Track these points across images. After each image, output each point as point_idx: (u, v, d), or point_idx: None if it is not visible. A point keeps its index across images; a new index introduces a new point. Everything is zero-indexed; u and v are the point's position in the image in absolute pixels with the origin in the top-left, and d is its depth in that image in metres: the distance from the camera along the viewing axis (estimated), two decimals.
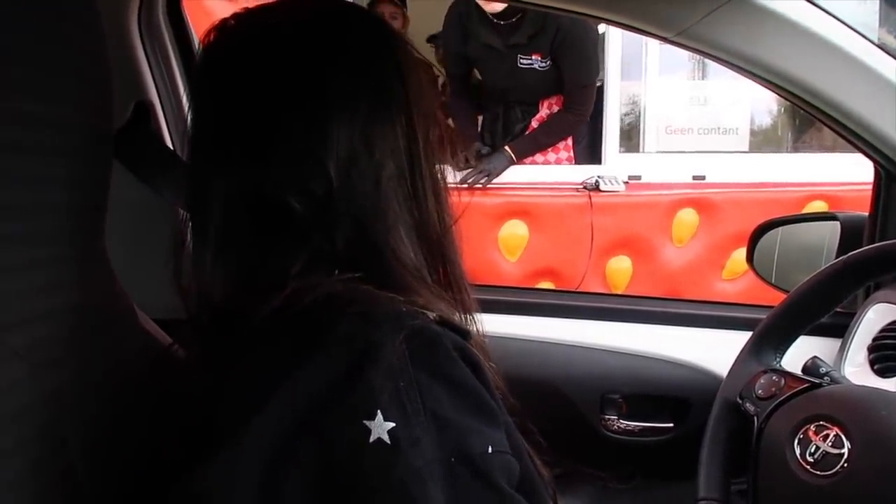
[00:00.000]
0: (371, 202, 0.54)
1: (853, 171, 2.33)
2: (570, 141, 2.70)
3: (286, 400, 0.45)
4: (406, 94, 0.57)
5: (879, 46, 0.97)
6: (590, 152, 2.76)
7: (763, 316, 0.94)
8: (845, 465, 0.72)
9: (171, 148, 1.15)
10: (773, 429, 0.82)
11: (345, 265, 0.52)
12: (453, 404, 0.46)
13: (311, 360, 0.46)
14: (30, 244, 0.46)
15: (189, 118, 0.59)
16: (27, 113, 0.44)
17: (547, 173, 2.65)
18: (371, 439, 0.43)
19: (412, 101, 0.57)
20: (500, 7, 2.42)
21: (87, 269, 0.54)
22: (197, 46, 1.19)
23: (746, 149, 2.96)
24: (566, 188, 2.58)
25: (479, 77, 2.83)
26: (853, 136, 1.06)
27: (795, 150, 3.29)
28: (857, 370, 1.01)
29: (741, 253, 1.66)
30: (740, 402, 0.88)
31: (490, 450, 0.46)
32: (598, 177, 2.56)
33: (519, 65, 2.55)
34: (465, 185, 2.46)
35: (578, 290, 2.49)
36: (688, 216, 2.60)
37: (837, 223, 1.19)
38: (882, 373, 0.98)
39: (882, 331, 1.02)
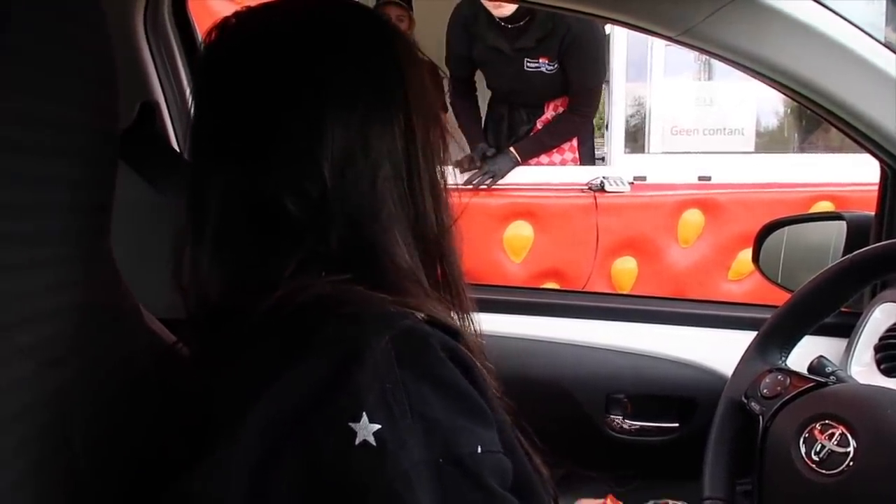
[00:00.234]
0: (366, 202, 0.54)
1: (860, 172, 2.32)
2: (574, 142, 2.69)
3: (276, 401, 0.45)
4: (406, 94, 0.57)
5: (886, 46, 0.97)
6: (587, 153, 2.76)
7: (768, 315, 0.94)
8: (851, 463, 0.72)
9: (177, 148, 1.16)
10: (778, 428, 0.81)
11: (339, 266, 0.52)
12: (441, 405, 0.45)
13: (300, 362, 0.46)
14: (35, 243, 0.46)
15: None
16: (30, 113, 0.44)
17: (552, 174, 2.64)
18: (357, 441, 0.43)
19: (412, 101, 0.57)
20: (508, 11, 2.41)
21: (92, 269, 0.54)
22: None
23: (752, 149, 2.96)
24: (571, 189, 2.57)
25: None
26: (859, 135, 1.05)
27: (801, 150, 3.28)
28: (863, 370, 1.01)
29: (747, 254, 1.65)
30: (746, 401, 0.88)
31: (480, 450, 0.46)
32: (604, 177, 2.55)
33: (525, 68, 2.55)
34: (471, 187, 2.46)
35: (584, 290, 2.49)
36: (693, 217, 2.59)
37: (844, 223, 1.19)
38: (888, 372, 0.98)
39: (888, 330, 1.02)
